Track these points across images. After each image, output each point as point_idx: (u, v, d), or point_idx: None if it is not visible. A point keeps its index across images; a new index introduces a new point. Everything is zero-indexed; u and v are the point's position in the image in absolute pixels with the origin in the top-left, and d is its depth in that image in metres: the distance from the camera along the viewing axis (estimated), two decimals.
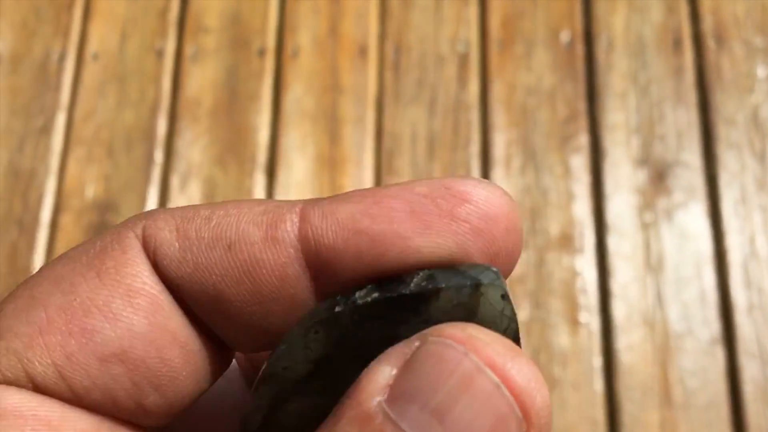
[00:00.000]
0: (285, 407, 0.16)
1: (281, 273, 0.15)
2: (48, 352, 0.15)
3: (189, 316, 0.16)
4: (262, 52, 0.67)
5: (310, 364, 0.15)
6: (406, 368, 0.14)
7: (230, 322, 0.16)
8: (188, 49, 0.67)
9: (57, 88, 0.67)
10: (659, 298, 0.57)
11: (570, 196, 0.60)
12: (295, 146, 0.64)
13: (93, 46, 0.68)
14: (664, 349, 0.56)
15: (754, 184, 0.60)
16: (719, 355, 0.56)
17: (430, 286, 0.15)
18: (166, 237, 0.16)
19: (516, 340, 0.16)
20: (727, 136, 0.61)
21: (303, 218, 0.15)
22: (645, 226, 0.59)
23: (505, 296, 0.15)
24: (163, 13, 0.69)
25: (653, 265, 0.58)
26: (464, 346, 0.14)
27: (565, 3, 0.66)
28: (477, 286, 0.15)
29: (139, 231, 0.16)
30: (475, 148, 0.62)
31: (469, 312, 0.15)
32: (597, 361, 0.56)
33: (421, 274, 0.15)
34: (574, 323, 0.57)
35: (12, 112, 0.66)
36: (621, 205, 0.60)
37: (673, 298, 0.57)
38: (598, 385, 0.55)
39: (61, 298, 0.15)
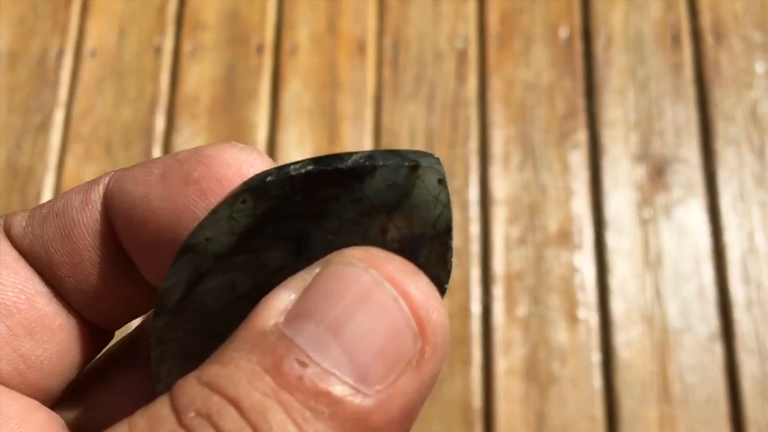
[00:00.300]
0: (203, 283, 0.15)
1: (93, 230, 0.16)
2: None
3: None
4: (260, 49, 0.67)
5: (234, 236, 0.15)
6: (306, 292, 0.14)
7: (70, 290, 0.17)
8: (186, 46, 0.67)
9: (55, 84, 0.67)
10: (658, 294, 0.57)
11: (569, 193, 0.60)
12: (293, 143, 0.64)
13: (91, 42, 0.68)
14: (662, 345, 0.56)
15: (753, 180, 0.60)
16: (718, 350, 0.56)
17: (367, 163, 0.15)
18: (17, 217, 0.17)
19: (448, 230, 0.15)
20: (725, 132, 0.61)
21: (108, 183, 0.17)
22: (644, 222, 0.59)
23: (442, 181, 0.15)
24: (161, 9, 0.69)
25: (652, 261, 0.58)
26: (365, 263, 0.14)
27: None
28: (414, 167, 0.15)
29: (1, 221, 0.17)
30: (473, 144, 0.62)
31: (402, 194, 0.15)
32: (596, 357, 0.56)
33: (360, 153, 0.15)
34: (573, 319, 0.57)
35: (10, 108, 0.66)
36: (620, 202, 0.60)
37: (671, 294, 0.57)
38: (597, 381, 0.55)
39: None
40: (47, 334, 0.17)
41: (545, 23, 0.66)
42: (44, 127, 0.65)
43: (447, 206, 0.15)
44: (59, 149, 0.65)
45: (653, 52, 0.64)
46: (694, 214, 0.59)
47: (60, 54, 0.68)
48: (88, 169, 0.64)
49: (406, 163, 0.15)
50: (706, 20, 0.64)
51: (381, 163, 0.14)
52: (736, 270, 0.57)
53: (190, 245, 0.15)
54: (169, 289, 0.16)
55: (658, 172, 0.60)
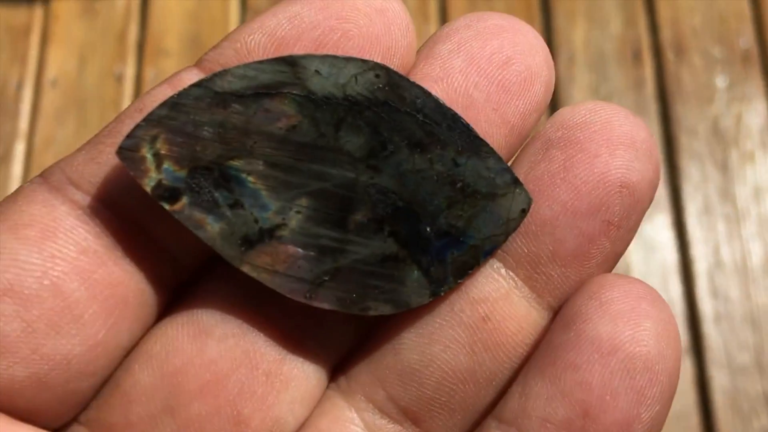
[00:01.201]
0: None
1: None
2: None
3: (125, 242, 0.15)
4: None
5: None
6: None
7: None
8: (148, 73, 0.67)
9: (15, 115, 0.66)
10: None
11: None
12: None
13: (51, 72, 0.67)
14: None
15: (717, 194, 0.60)
16: (688, 365, 0.56)
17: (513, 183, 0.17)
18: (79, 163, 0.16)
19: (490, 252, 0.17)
20: (689, 146, 0.61)
21: None
22: None
23: (525, 211, 0.17)
24: (122, 36, 0.68)
25: None
26: None
27: (524, 18, 0.66)
28: (525, 210, 0.17)
29: (61, 175, 0.15)
30: None
31: (508, 224, 0.17)
32: None
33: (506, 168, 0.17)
34: None
35: None
36: None
37: None
38: None
39: None
40: (77, 326, 0.14)
41: None
42: (5, 158, 0.64)
43: (507, 234, 0.16)
44: (21, 181, 0.64)
45: (615, 68, 0.64)
46: (660, 229, 0.59)
47: (20, 85, 0.67)
48: None
49: (523, 207, 0.16)
50: (666, 36, 0.65)
51: (517, 191, 0.16)
52: (704, 284, 0.58)
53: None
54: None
55: None
